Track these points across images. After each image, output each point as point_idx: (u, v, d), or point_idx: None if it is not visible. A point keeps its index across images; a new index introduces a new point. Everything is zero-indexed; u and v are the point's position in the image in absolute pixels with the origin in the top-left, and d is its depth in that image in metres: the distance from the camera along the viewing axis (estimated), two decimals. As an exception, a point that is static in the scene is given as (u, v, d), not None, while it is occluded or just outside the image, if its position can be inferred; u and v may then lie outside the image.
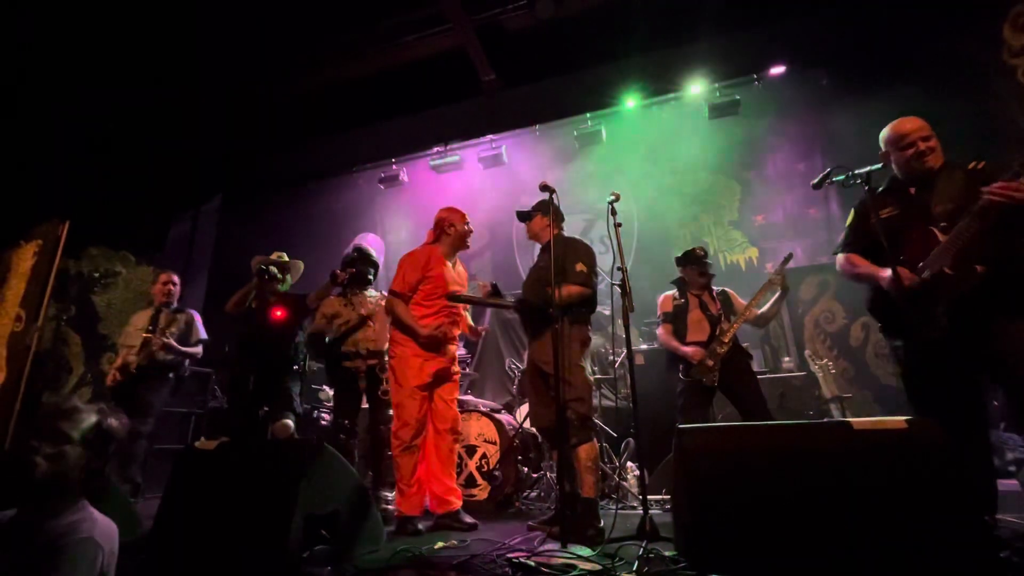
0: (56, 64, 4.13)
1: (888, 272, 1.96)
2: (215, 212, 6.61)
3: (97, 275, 4.11)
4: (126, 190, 4.93)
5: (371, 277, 3.49)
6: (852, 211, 2.26)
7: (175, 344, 3.61)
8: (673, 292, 3.38)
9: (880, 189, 2.15)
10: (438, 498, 2.69)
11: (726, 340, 3.04)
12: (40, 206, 4.04)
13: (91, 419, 1.27)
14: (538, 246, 2.94)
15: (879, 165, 2.16)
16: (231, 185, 6.13)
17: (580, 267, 2.55)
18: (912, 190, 2.07)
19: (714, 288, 3.36)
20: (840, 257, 2.25)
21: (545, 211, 2.73)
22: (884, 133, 2.16)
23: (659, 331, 3.35)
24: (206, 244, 6.51)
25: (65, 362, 3.95)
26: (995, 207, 1.77)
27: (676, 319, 3.26)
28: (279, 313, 3.35)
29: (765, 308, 3.16)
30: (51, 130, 4.40)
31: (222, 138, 5.25)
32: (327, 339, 3.31)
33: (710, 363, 3.02)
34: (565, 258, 2.55)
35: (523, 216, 2.88)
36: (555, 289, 2.33)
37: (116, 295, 4.26)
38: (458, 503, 2.70)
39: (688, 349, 3.11)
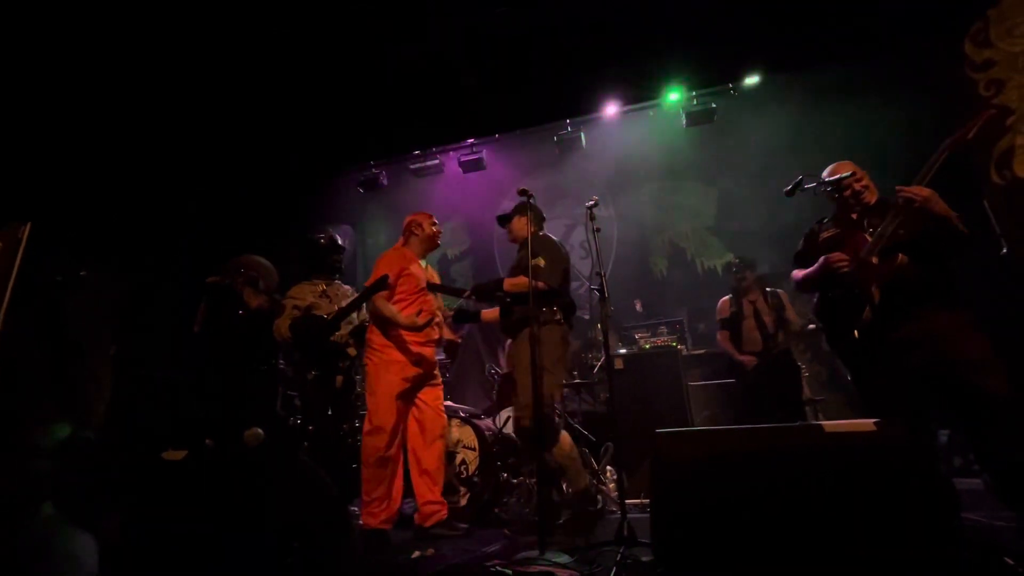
0: (21, 56, 3.99)
1: (820, 261, 2.23)
2: (188, 215, 6.45)
3: (61, 279, 3.95)
4: (93, 191, 4.77)
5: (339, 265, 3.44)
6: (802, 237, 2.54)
7: None
8: (729, 297, 3.72)
9: (826, 219, 2.43)
10: (428, 510, 2.63)
11: (775, 353, 3.42)
12: (0, 207, 3.87)
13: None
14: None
15: (849, 173, 2.27)
16: (205, 187, 5.99)
17: (537, 261, 2.55)
18: (854, 215, 2.30)
19: (768, 290, 3.65)
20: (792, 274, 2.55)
21: (523, 212, 2.79)
22: (824, 174, 2.39)
23: (718, 335, 3.73)
24: (181, 250, 6.34)
25: (27, 369, 3.78)
26: (907, 202, 1.99)
27: (733, 325, 3.62)
28: None
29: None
30: (12, 125, 4.23)
31: (196, 138, 5.13)
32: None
33: (760, 370, 3.41)
34: (533, 254, 2.58)
35: (503, 219, 2.93)
36: (532, 285, 2.37)
37: (82, 300, 4.10)
38: (446, 511, 2.67)
39: (743, 358, 3.49)
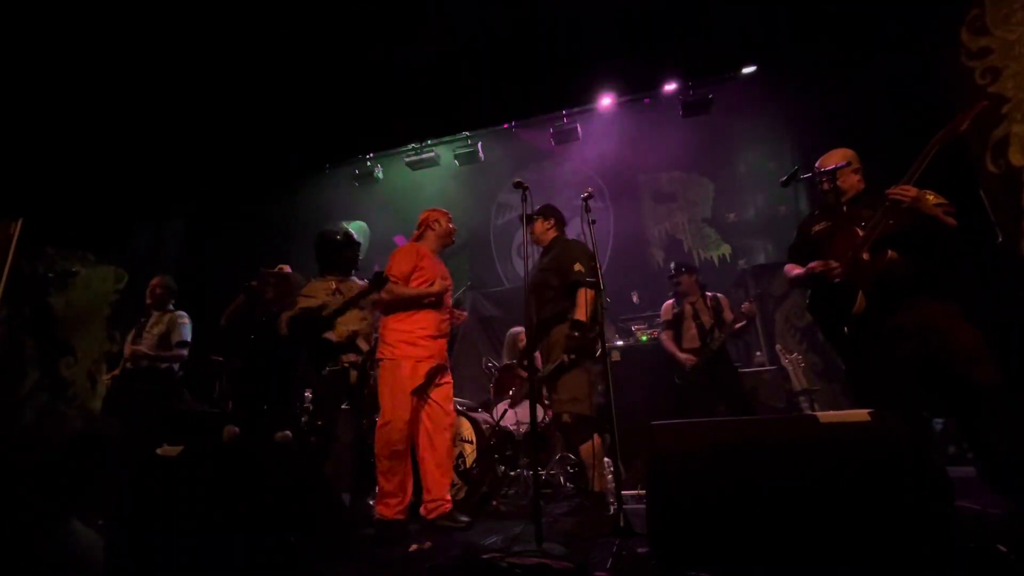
0: (15, 53, 3.93)
1: (810, 265, 2.27)
2: (184, 212, 6.40)
3: (52, 275, 3.92)
4: (87, 187, 4.73)
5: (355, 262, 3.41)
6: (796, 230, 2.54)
7: (144, 350, 3.67)
8: (672, 301, 3.82)
9: (817, 211, 2.44)
10: (433, 504, 2.63)
11: (713, 349, 3.53)
12: (-9, 203, 3.83)
13: None
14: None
15: (844, 163, 2.26)
16: (201, 185, 5.94)
17: (578, 267, 2.62)
18: (845, 208, 2.30)
19: (708, 294, 3.73)
20: (784, 269, 2.55)
21: (547, 215, 2.92)
22: (817, 163, 2.39)
23: (662, 336, 3.82)
24: (174, 244, 6.30)
25: (18, 367, 3.76)
26: (894, 203, 2.03)
27: (675, 326, 3.74)
28: None
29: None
30: (5, 121, 4.19)
31: (193, 135, 5.08)
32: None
33: (698, 368, 3.55)
34: (564, 260, 2.69)
35: (529, 218, 2.92)
36: (531, 307, 2.48)
37: (75, 296, 4.07)
38: (449, 504, 2.68)
39: (682, 356, 3.61)
